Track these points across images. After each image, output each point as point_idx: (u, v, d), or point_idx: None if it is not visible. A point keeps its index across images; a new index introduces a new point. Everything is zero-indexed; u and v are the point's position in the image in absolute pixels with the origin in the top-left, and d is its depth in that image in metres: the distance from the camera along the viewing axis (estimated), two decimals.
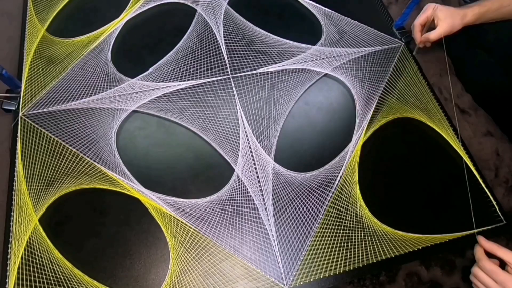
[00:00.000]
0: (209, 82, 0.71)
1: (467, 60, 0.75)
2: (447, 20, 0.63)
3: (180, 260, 0.55)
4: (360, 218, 0.59)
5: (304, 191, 0.61)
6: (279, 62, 0.73)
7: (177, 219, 0.57)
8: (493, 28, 0.70)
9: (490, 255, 0.50)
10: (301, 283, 0.54)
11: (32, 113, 0.66)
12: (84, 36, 0.75)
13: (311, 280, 0.54)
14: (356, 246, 0.57)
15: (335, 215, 0.59)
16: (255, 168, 0.62)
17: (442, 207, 0.61)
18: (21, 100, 0.67)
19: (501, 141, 0.69)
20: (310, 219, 0.58)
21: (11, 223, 0.56)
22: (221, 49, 0.75)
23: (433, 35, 0.66)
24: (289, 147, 0.65)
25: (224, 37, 0.76)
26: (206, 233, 0.56)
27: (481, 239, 0.52)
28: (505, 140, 0.69)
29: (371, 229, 0.58)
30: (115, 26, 0.77)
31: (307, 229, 0.58)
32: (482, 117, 0.72)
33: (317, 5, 0.82)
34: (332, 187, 0.61)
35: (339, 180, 0.62)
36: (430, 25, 0.68)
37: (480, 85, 0.70)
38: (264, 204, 0.59)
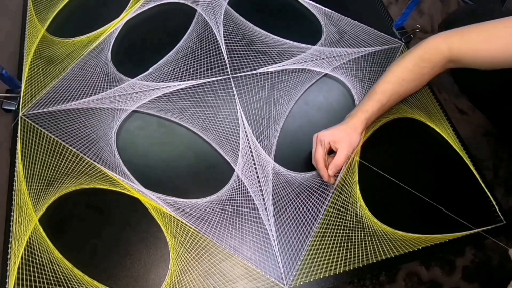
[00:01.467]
0: (209, 82, 0.71)
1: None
2: (345, 140, 0.58)
3: (180, 260, 0.55)
4: (360, 218, 0.59)
5: (304, 191, 0.61)
6: (279, 62, 0.73)
7: (177, 219, 0.57)
8: None
9: None
10: (301, 283, 0.54)
11: (32, 113, 0.66)
12: (84, 36, 0.75)
13: (311, 280, 0.54)
14: (356, 246, 0.57)
15: (335, 215, 0.59)
16: (255, 168, 0.62)
17: (442, 207, 0.61)
18: (21, 100, 0.67)
19: (500, 141, 0.69)
20: (310, 219, 0.58)
21: (11, 223, 0.56)
22: (221, 49, 0.75)
23: (338, 159, 0.57)
24: (289, 147, 0.65)
25: (224, 37, 0.76)
26: (206, 233, 0.56)
27: None
28: (505, 140, 0.69)
29: (371, 229, 0.58)
30: (115, 26, 0.77)
31: (307, 229, 0.58)
32: (481, 117, 0.72)
33: (317, 5, 0.82)
34: (332, 187, 0.61)
35: (339, 180, 0.61)
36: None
37: (475, 86, 0.70)
38: (264, 204, 0.59)
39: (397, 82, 0.59)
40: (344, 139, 0.58)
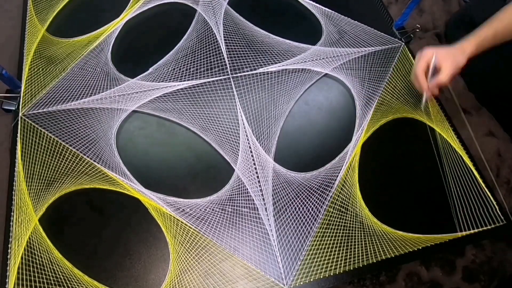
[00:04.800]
0: (209, 82, 0.71)
1: (472, 59, 0.75)
2: (450, 59, 0.58)
3: (180, 260, 0.55)
4: (360, 218, 0.59)
5: (304, 191, 0.61)
6: (279, 62, 0.73)
7: (177, 219, 0.57)
8: None
9: None
10: (301, 283, 0.54)
11: (32, 113, 0.66)
12: (84, 36, 0.75)
13: (311, 280, 0.54)
14: (356, 246, 0.57)
15: (335, 215, 0.59)
16: (255, 168, 0.62)
17: (442, 207, 0.61)
18: (21, 100, 0.67)
19: (503, 142, 0.69)
20: (310, 219, 0.58)
21: (11, 223, 0.56)
22: (221, 49, 0.75)
23: (442, 76, 0.57)
24: (289, 147, 0.65)
25: (224, 37, 0.76)
26: (206, 233, 0.56)
27: None
28: (507, 140, 0.69)
29: (371, 229, 0.58)
30: (115, 26, 0.77)
31: (307, 229, 0.58)
32: (484, 117, 0.72)
33: (317, 5, 0.82)
34: (332, 187, 0.61)
35: (339, 180, 0.62)
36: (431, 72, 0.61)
37: (485, 84, 0.70)
38: (264, 204, 0.59)
39: (508, 22, 0.57)
40: (449, 59, 0.57)
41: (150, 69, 0.71)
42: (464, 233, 0.58)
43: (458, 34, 0.78)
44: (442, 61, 0.57)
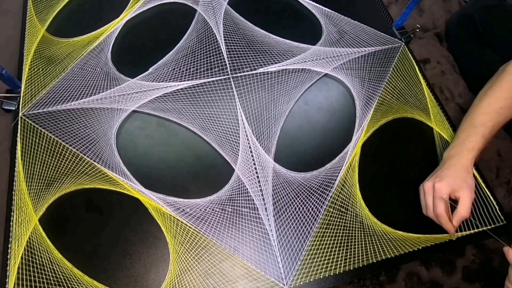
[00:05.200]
0: (209, 82, 0.71)
1: (473, 58, 0.75)
2: (465, 188, 0.52)
3: (180, 260, 0.55)
4: (360, 218, 0.59)
5: (304, 191, 0.61)
6: (279, 62, 0.73)
7: (177, 219, 0.57)
8: (499, 26, 0.70)
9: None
10: (301, 283, 0.54)
11: (32, 113, 0.66)
12: (84, 36, 0.75)
13: (311, 280, 0.54)
14: (356, 246, 0.57)
15: (335, 215, 0.59)
16: (255, 168, 0.62)
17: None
18: (21, 100, 0.67)
19: (503, 142, 0.69)
20: (310, 219, 0.58)
21: (11, 223, 0.56)
22: (221, 49, 0.75)
23: (464, 211, 0.52)
24: (289, 147, 0.65)
25: (224, 37, 0.76)
26: (206, 233, 0.56)
27: None
28: (507, 140, 0.69)
29: (371, 229, 0.58)
30: (115, 26, 0.77)
31: (307, 229, 0.58)
32: None
33: (317, 5, 0.82)
34: (332, 187, 0.61)
35: (339, 180, 0.62)
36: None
37: (485, 83, 0.70)
38: (264, 204, 0.59)
39: (495, 111, 0.56)
40: (464, 187, 0.52)
41: (150, 69, 0.71)
42: (464, 233, 0.58)
43: (459, 35, 0.78)
44: (457, 192, 0.52)
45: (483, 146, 0.56)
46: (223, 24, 0.78)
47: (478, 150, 0.55)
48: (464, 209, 0.52)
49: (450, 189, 0.53)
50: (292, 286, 0.53)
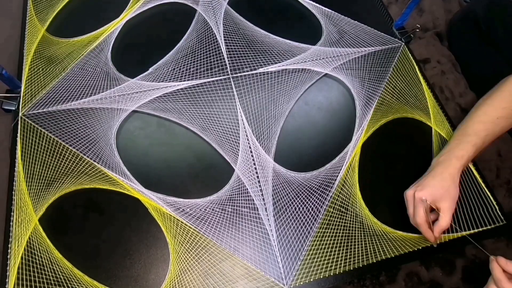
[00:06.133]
0: (209, 82, 0.71)
1: (475, 57, 0.75)
2: (446, 198, 0.52)
3: (180, 260, 0.55)
4: (360, 218, 0.59)
5: (304, 191, 0.61)
6: (279, 62, 0.73)
7: (177, 219, 0.57)
8: (503, 25, 0.70)
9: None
10: (301, 283, 0.54)
11: (32, 113, 0.66)
12: (84, 36, 0.75)
13: (311, 280, 0.54)
14: (356, 246, 0.57)
15: (335, 215, 0.59)
16: (255, 168, 0.62)
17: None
18: (21, 100, 0.67)
19: (503, 142, 0.69)
20: (310, 219, 0.58)
21: (11, 223, 0.56)
22: (221, 49, 0.75)
23: (445, 222, 0.51)
24: (289, 147, 0.65)
25: (224, 37, 0.76)
26: (206, 233, 0.56)
27: (500, 260, 0.46)
28: (507, 141, 0.69)
29: (371, 229, 0.58)
30: (115, 26, 0.77)
31: (307, 229, 0.58)
32: None
33: (317, 5, 0.82)
34: (332, 187, 0.61)
35: (339, 180, 0.62)
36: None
37: (487, 82, 0.70)
38: (264, 204, 0.59)
39: (491, 121, 0.54)
40: (446, 197, 0.52)
41: (150, 69, 0.71)
42: (464, 233, 0.58)
43: (462, 33, 0.78)
44: (439, 202, 0.52)
45: (473, 155, 0.55)
46: (223, 24, 0.78)
47: (467, 159, 0.54)
48: (444, 221, 0.51)
49: (432, 198, 0.52)
50: (292, 286, 0.53)
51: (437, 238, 0.53)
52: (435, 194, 0.52)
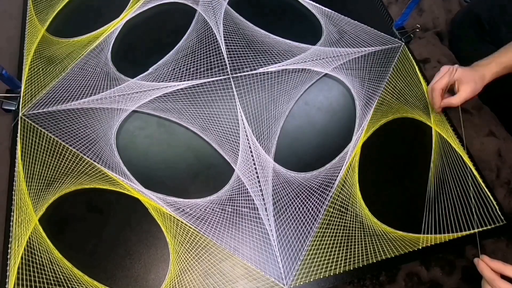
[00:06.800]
0: (209, 82, 0.71)
1: (477, 56, 0.75)
2: (470, 84, 0.59)
3: (180, 260, 0.55)
4: (360, 218, 0.59)
5: (304, 191, 0.61)
6: (279, 62, 0.73)
7: (177, 219, 0.57)
8: (506, 24, 0.70)
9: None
10: (301, 283, 0.54)
11: (32, 113, 0.66)
12: (84, 36, 0.75)
13: (311, 280, 0.54)
14: (356, 246, 0.57)
15: (335, 215, 0.59)
16: (255, 168, 0.62)
17: (442, 207, 0.61)
18: (21, 100, 0.67)
19: (503, 142, 0.69)
20: (310, 219, 0.58)
21: (11, 223, 0.56)
22: (221, 49, 0.75)
23: (457, 100, 0.59)
24: (289, 147, 0.65)
25: (224, 37, 0.76)
26: (206, 233, 0.56)
27: (486, 259, 0.49)
28: (508, 140, 0.69)
29: (371, 229, 0.58)
30: (115, 26, 0.77)
31: (307, 229, 0.58)
32: (485, 117, 0.71)
33: (317, 5, 0.82)
34: (332, 187, 0.61)
35: (339, 180, 0.62)
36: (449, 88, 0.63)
37: (489, 82, 0.70)
38: (264, 204, 0.59)
39: None
40: (470, 84, 0.58)
41: (150, 69, 0.71)
42: (464, 233, 0.58)
43: (464, 32, 0.78)
44: (463, 84, 0.58)
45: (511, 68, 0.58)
46: (223, 24, 0.78)
47: (505, 69, 0.58)
48: (456, 99, 0.58)
49: (460, 77, 0.58)
50: (292, 286, 0.53)
51: (440, 108, 0.61)
52: (464, 75, 0.58)
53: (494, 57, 0.60)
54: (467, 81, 0.58)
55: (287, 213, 0.59)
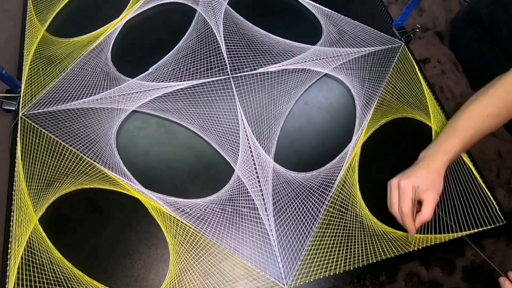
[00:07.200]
0: (209, 82, 0.71)
1: (478, 56, 0.75)
2: (431, 190, 0.52)
3: (180, 260, 0.55)
4: (360, 218, 0.59)
5: (304, 191, 0.61)
6: (279, 62, 0.73)
7: (177, 219, 0.57)
8: (507, 25, 0.70)
9: None
10: (301, 283, 0.54)
11: (32, 113, 0.66)
12: (84, 36, 0.75)
13: (311, 280, 0.54)
14: (356, 246, 0.57)
15: (335, 215, 0.59)
16: (255, 168, 0.62)
17: (442, 207, 0.61)
18: (21, 100, 0.67)
19: (503, 142, 0.69)
20: (310, 219, 0.58)
21: (11, 223, 0.56)
22: (221, 49, 0.75)
23: (428, 213, 0.52)
24: (289, 147, 0.65)
25: (224, 37, 0.76)
26: (206, 233, 0.56)
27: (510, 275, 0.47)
28: (508, 140, 0.69)
29: (371, 229, 0.58)
30: (115, 26, 0.77)
31: (307, 229, 0.58)
32: None
33: (317, 5, 0.82)
34: (332, 187, 0.61)
35: (339, 180, 0.62)
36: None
37: (489, 82, 0.69)
38: (264, 204, 0.59)
39: (481, 118, 0.55)
40: (430, 189, 0.52)
41: (150, 69, 0.71)
42: (464, 233, 0.58)
43: (465, 32, 0.78)
44: (424, 192, 0.52)
45: (461, 151, 0.56)
46: (223, 24, 0.78)
47: (454, 154, 0.54)
48: (426, 213, 0.52)
49: (419, 190, 0.52)
50: (292, 286, 0.53)
51: (417, 230, 0.53)
52: (420, 184, 0.52)
53: (437, 143, 0.55)
54: (426, 187, 0.52)
55: (287, 213, 0.59)
